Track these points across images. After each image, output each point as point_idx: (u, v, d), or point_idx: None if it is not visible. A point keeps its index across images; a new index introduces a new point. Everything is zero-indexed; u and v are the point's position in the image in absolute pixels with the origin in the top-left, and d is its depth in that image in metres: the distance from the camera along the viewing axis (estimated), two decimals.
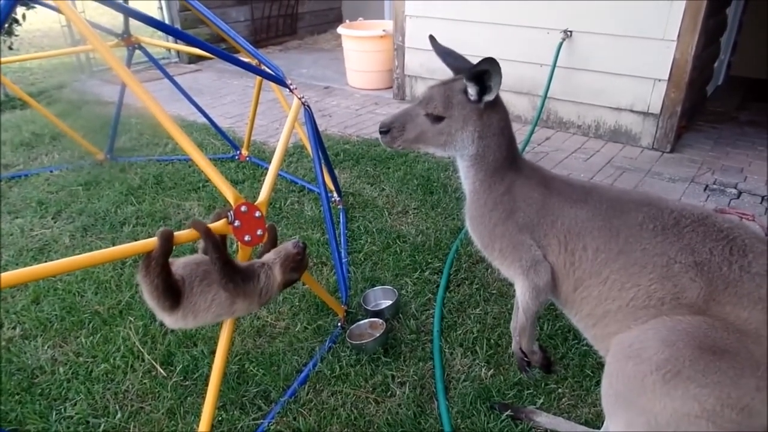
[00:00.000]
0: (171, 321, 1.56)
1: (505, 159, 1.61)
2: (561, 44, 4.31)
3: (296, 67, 6.79)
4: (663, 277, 1.34)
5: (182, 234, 1.51)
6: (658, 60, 4.03)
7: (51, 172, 3.85)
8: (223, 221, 1.59)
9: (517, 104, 4.82)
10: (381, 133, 1.66)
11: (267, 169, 3.78)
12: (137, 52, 3.76)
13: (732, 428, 1.23)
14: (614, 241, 1.43)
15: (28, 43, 8.05)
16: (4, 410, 1.97)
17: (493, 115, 1.58)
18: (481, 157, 1.61)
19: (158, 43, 4.45)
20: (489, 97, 1.54)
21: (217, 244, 1.53)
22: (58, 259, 1.36)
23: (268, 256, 1.67)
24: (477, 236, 1.67)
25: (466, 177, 1.67)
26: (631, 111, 4.34)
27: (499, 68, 1.48)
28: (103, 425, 1.93)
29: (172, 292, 1.49)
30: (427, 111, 1.61)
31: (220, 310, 1.58)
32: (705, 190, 3.67)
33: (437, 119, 1.60)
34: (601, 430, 1.82)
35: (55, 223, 3.21)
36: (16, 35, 5.70)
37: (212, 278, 1.54)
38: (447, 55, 1.69)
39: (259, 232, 1.65)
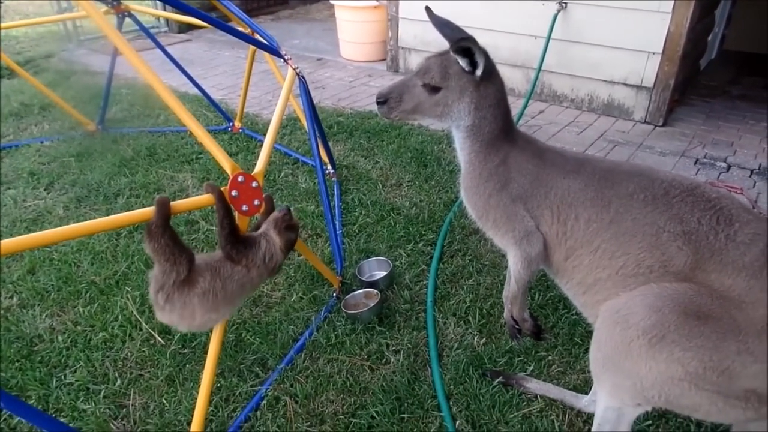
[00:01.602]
0: (202, 313, 1.51)
1: (501, 130, 1.63)
2: (556, 16, 4.28)
3: (288, 37, 6.70)
4: (652, 246, 1.38)
5: (180, 203, 1.52)
6: (653, 33, 4.02)
7: (42, 143, 3.81)
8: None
9: (511, 77, 4.80)
10: (378, 103, 1.67)
11: (260, 141, 3.80)
12: (125, 20, 3.69)
13: (713, 390, 1.28)
14: (605, 211, 1.46)
15: (12, 11, 7.86)
16: (5, 377, 2.00)
17: (490, 86, 1.59)
18: (477, 128, 1.62)
19: (148, 10, 4.37)
20: (478, 72, 1.55)
21: (229, 210, 1.55)
22: (52, 229, 1.37)
23: (262, 227, 1.70)
24: (471, 206, 1.70)
25: (461, 148, 1.69)
26: (625, 84, 4.35)
27: (479, 45, 1.50)
28: (103, 391, 1.97)
29: (184, 249, 1.47)
30: (424, 82, 1.62)
31: (250, 288, 1.62)
32: (695, 163, 3.71)
33: (434, 90, 1.61)
34: (589, 395, 1.89)
35: (48, 194, 3.20)
36: (1, 2, 5.56)
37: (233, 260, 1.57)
38: (444, 26, 1.69)
39: (256, 202, 1.66)
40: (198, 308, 1.51)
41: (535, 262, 1.61)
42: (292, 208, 3.01)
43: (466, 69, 1.56)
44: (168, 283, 1.47)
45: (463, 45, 1.51)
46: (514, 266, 1.65)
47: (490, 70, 1.58)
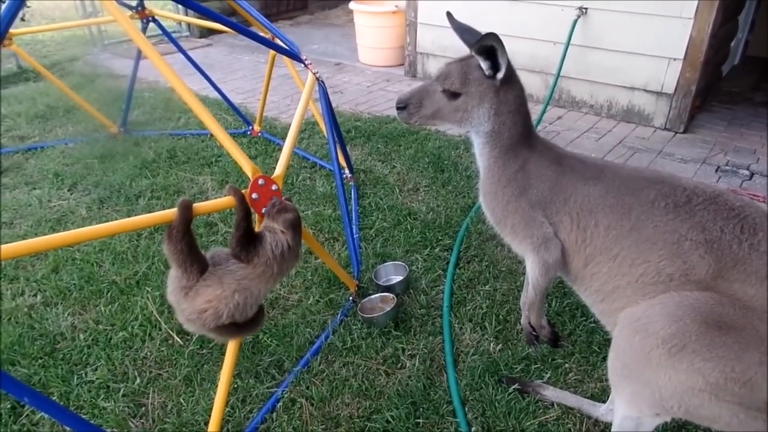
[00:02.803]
0: (232, 298, 1.50)
1: (521, 136, 1.63)
2: (576, 22, 4.26)
3: (307, 42, 6.75)
4: (673, 254, 1.37)
5: (201, 205, 1.54)
6: (674, 38, 3.98)
7: (66, 144, 3.89)
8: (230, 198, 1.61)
9: (529, 83, 4.77)
10: (398, 108, 1.68)
11: (279, 144, 3.83)
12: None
13: (734, 401, 1.26)
14: (626, 218, 1.45)
15: (39, 15, 8.03)
16: (28, 374, 2.04)
17: (510, 91, 1.59)
18: (496, 133, 1.62)
19: (171, 15, 4.44)
20: (500, 74, 1.54)
21: (248, 212, 1.57)
22: (75, 229, 1.39)
23: (262, 224, 1.68)
24: (490, 212, 1.70)
25: (480, 154, 1.69)
26: (645, 90, 4.30)
27: (503, 43, 1.48)
28: (122, 390, 2.00)
29: (198, 258, 1.49)
30: (444, 87, 1.62)
31: (265, 280, 1.59)
32: (717, 171, 3.65)
33: (454, 95, 1.61)
34: (607, 403, 1.87)
35: (71, 195, 3.26)
36: (28, 6, 5.70)
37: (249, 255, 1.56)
38: (465, 31, 1.69)
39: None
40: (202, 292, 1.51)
41: (553, 269, 1.60)
42: (310, 211, 3.04)
43: (487, 72, 1.56)
44: (178, 287, 1.50)
45: (487, 44, 1.48)
46: (532, 273, 1.64)
47: (510, 75, 1.58)
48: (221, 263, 1.53)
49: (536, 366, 2.09)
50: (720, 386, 1.25)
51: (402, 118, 1.69)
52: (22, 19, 5.66)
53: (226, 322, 1.53)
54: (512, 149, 1.63)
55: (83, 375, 2.06)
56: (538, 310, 1.73)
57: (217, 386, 1.78)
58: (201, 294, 1.49)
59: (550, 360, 2.11)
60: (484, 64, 1.55)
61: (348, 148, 3.61)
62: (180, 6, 6.50)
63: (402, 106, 1.67)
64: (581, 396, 1.96)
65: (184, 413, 1.91)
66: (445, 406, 1.94)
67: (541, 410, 1.92)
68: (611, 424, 1.55)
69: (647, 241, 1.41)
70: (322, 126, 3.38)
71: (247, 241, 1.57)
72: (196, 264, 1.49)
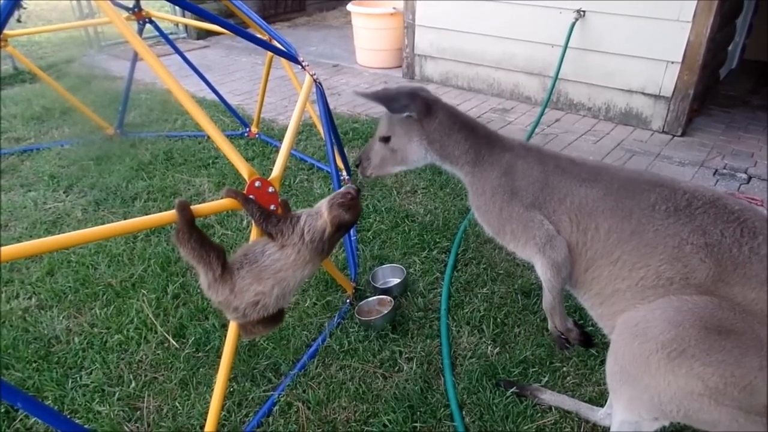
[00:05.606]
0: (252, 293, 1.52)
1: (478, 148, 1.68)
2: (573, 24, 4.26)
3: (305, 44, 6.74)
4: (673, 258, 1.36)
5: (202, 207, 1.53)
6: (672, 42, 3.98)
7: (62, 146, 3.88)
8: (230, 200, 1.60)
9: (527, 85, 4.78)
10: (355, 167, 1.88)
11: (276, 146, 3.82)
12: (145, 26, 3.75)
13: (734, 406, 1.26)
14: (627, 222, 1.44)
15: (36, 16, 8.01)
16: (22, 377, 2.03)
17: (432, 121, 1.69)
18: (448, 157, 1.73)
19: (168, 17, 4.43)
20: (403, 115, 1.70)
21: (255, 201, 1.57)
22: (71, 231, 1.38)
23: (317, 204, 1.63)
24: (486, 224, 1.71)
25: (459, 175, 1.76)
26: (643, 93, 4.31)
27: (391, 95, 1.68)
28: (117, 393, 1.98)
29: (213, 248, 1.49)
30: (379, 137, 1.79)
31: (293, 267, 1.55)
32: (714, 174, 3.66)
33: (387, 140, 1.77)
34: (605, 407, 1.86)
35: (67, 197, 3.24)
36: (24, 8, 5.67)
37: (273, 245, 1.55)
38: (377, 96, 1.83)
39: (272, 207, 1.67)
40: (246, 288, 1.52)
41: (564, 267, 1.56)
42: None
43: (400, 114, 1.69)
44: (210, 281, 1.51)
45: (379, 95, 1.69)
46: (544, 275, 1.60)
47: (427, 107, 1.68)
48: (257, 260, 1.53)
49: (534, 369, 2.08)
50: (719, 390, 1.25)
51: (361, 174, 1.87)
52: (18, 21, 5.62)
53: (273, 312, 1.58)
54: (479, 161, 1.68)
55: (78, 379, 2.04)
56: (559, 313, 1.70)
57: (213, 390, 1.76)
58: (246, 291, 1.52)
59: (547, 363, 2.11)
60: (387, 108, 1.69)
61: (345, 149, 3.60)
62: (177, 8, 6.50)
63: (357, 165, 1.86)
64: (579, 400, 1.95)
65: (179, 417, 1.90)
66: (442, 409, 1.93)
67: (539, 414, 1.91)
68: (609, 428, 1.54)
69: (648, 245, 1.40)
70: (320, 128, 3.37)
71: (269, 215, 1.56)
72: (213, 253, 1.49)
